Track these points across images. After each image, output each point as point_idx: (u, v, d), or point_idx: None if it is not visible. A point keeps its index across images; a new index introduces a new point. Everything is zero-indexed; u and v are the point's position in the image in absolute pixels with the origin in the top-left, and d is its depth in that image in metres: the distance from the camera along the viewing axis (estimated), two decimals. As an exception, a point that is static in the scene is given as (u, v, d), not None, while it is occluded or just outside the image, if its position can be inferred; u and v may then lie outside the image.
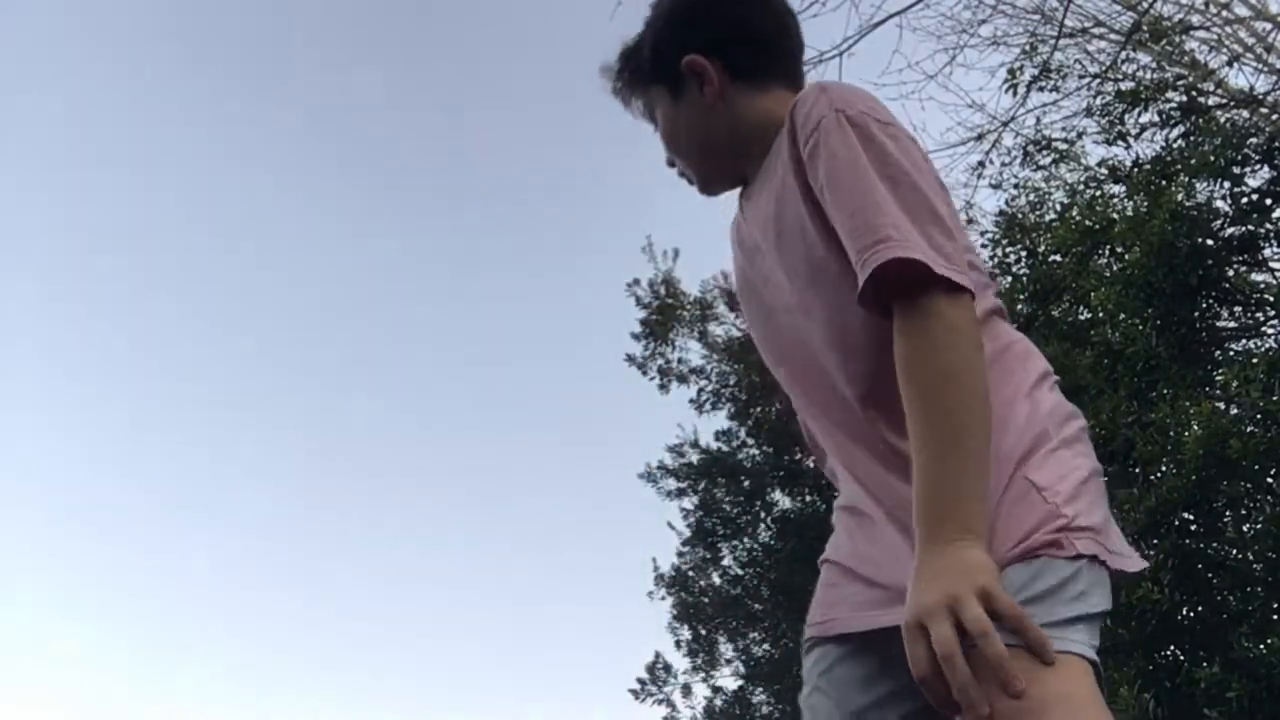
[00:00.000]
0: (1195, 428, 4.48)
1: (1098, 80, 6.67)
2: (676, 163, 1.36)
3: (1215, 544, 4.56)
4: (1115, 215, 5.67)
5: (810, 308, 1.13)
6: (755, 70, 1.28)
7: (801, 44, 1.35)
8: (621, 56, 1.38)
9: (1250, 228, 5.23)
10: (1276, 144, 5.19)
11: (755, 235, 1.23)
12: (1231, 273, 5.44)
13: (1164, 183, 5.41)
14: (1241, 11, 7.55)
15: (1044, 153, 6.76)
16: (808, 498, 8.58)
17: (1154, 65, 6.87)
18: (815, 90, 1.13)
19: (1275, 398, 4.33)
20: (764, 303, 1.23)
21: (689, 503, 9.19)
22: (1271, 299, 5.37)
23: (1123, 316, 5.21)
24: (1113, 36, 7.45)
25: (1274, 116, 5.90)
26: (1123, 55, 6.79)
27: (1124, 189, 5.96)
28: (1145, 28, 6.57)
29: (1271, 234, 5.32)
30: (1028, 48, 7.03)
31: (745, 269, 1.27)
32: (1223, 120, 5.67)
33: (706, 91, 1.27)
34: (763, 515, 8.88)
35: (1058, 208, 6.39)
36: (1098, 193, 6.22)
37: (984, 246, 6.94)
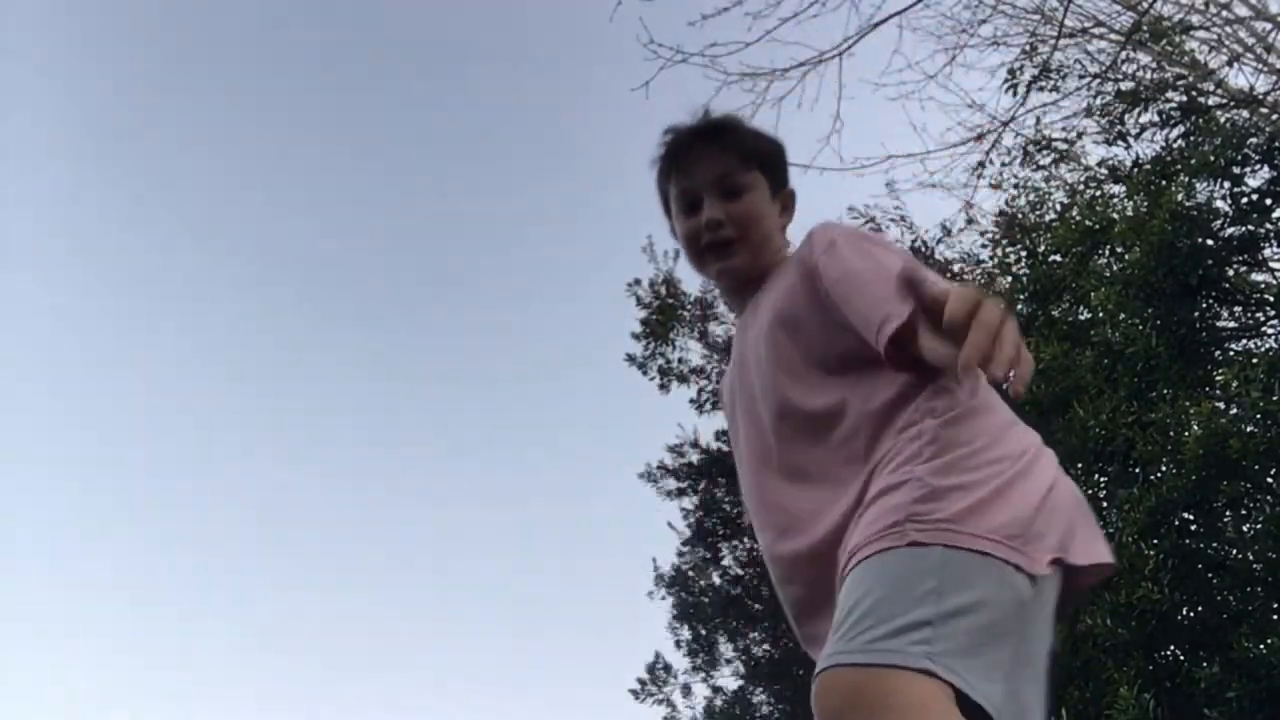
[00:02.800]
0: (1195, 428, 4.47)
1: (1098, 80, 6.68)
2: (729, 229, 1.59)
3: (1215, 544, 4.55)
4: (1115, 215, 5.67)
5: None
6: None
7: None
8: (737, 125, 1.68)
9: (1250, 228, 5.23)
10: (1276, 144, 5.19)
11: (761, 327, 1.50)
12: (1231, 273, 5.43)
13: (1164, 183, 5.41)
14: (1241, 11, 7.55)
15: (1044, 153, 6.76)
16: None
17: (1154, 65, 6.87)
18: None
19: (1275, 398, 4.33)
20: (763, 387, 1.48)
21: (689, 503, 9.18)
22: (1271, 299, 5.37)
23: (1123, 316, 5.21)
24: (1113, 36, 7.44)
25: (1274, 116, 5.90)
26: (1123, 55, 6.80)
27: (1124, 189, 5.96)
28: (1145, 28, 6.57)
29: (1271, 234, 5.32)
30: (1028, 48, 7.04)
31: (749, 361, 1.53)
32: (1223, 120, 5.67)
33: (784, 217, 1.66)
34: (763, 515, 8.84)
35: (1058, 208, 6.39)
36: (1098, 193, 6.22)
37: (984, 246, 6.94)
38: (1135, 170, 5.84)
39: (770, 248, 1.59)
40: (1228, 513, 4.63)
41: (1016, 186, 6.85)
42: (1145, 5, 6.75)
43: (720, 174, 1.59)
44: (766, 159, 1.64)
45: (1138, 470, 4.75)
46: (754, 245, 1.58)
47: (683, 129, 1.67)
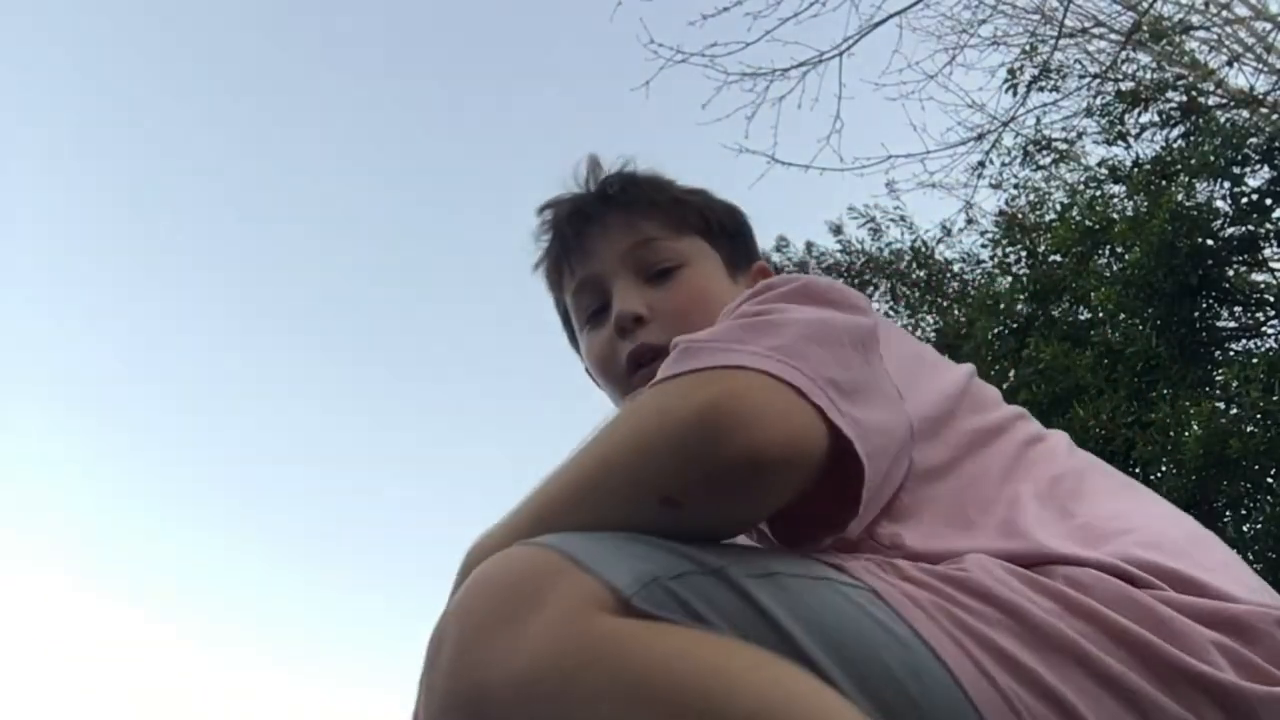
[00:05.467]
0: (1195, 428, 4.48)
1: (1098, 80, 6.68)
2: (656, 328, 1.02)
3: (1215, 544, 4.56)
4: (1115, 215, 5.67)
5: None
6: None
7: None
8: (654, 179, 1.12)
9: (1250, 228, 5.24)
10: (1276, 144, 5.19)
11: None
12: (1231, 273, 5.44)
13: (1164, 183, 5.41)
14: (1241, 11, 7.55)
15: (1044, 153, 6.76)
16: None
17: (1154, 65, 6.87)
18: None
19: (1275, 398, 4.33)
20: None
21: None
22: (1271, 299, 5.38)
23: (1123, 316, 5.22)
24: (1113, 36, 7.45)
25: (1274, 116, 5.90)
26: (1123, 55, 6.80)
27: (1124, 189, 5.96)
28: (1145, 28, 6.57)
29: (1271, 234, 5.33)
30: (1028, 48, 7.03)
31: None
32: (1223, 120, 5.68)
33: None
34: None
35: (1058, 208, 6.39)
36: (1098, 193, 6.22)
37: (984, 246, 6.94)
38: (1135, 170, 5.84)
39: None
40: (1228, 513, 4.64)
41: (1016, 186, 6.85)
42: (1145, 5, 6.76)
43: (631, 243, 1.05)
44: (712, 221, 1.09)
45: (1138, 470, 4.75)
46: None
47: (565, 197, 1.12)
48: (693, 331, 0.95)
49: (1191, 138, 5.63)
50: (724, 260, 1.07)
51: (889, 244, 7.42)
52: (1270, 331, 5.60)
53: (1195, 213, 5.12)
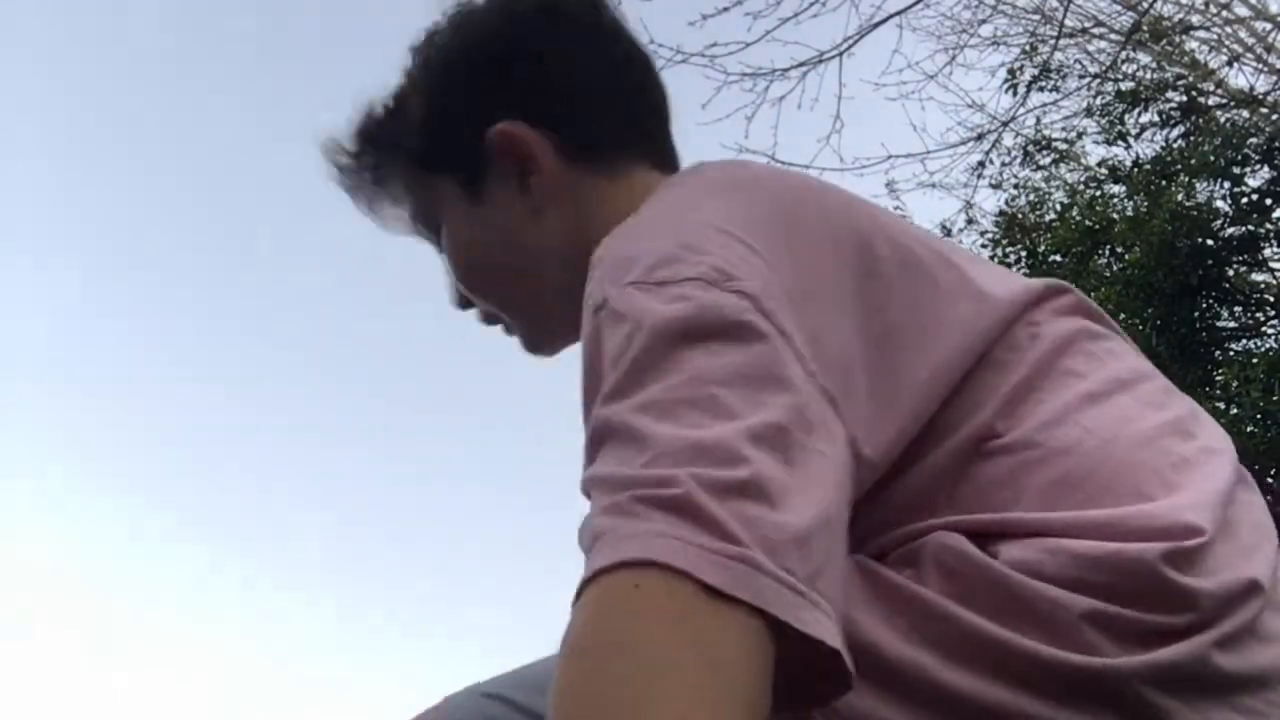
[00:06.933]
0: (1195, 428, 4.48)
1: (1098, 80, 6.69)
2: (479, 302, 0.87)
3: (1215, 544, 4.56)
4: (1115, 215, 5.68)
5: None
6: (603, 144, 0.82)
7: (666, 102, 0.89)
8: (364, 130, 0.87)
9: (1250, 228, 5.25)
10: (1276, 144, 5.20)
11: None
12: (1231, 273, 5.44)
13: (1164, 183, 5.42)
14: (1241, 11, 7.55)
15: (1044, 153, 6.77)
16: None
17: (1154, 65, 6.88)
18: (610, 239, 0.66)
19: (1275, 398, 4.34)
20: None
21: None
22: (1271, 299, 5.38)
23: (1123, 316, 5.22)
24: (1113, 36, 7.45)
25: (1274, 116, 5.90)
26: (1123, 55, 6.80)
27: (1124, 189, 5.97)
28: (1145, 28, 6.58)
29: (1271, 234, 5.33)
30: (1028, 48, 7.05)
31: None
32: (1223, 120, 5.68)
33: (532, 181, 0.80)
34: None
35: (1058, 208, 6.39)
36: (1098, 193, 6.23)
37: (984, 246, 6.94)
38: (1135, 170, 5.85)
39: (553, 276, 0.81)
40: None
41: (1016, 186, 6.86)
42: (1145, 5, 6.76)
43: (400, 221, 0.89)
44: (416, 140, 0.84)
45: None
46: (521, 299, 0.85)
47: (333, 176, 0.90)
48: (502, 298, 0.85)
49: (1191, 138, 5.63)
50: (458, 182, 0.83)
51: (889, 244, 7.42)
52: (1270, 331, 5.60)
53: (1195, 213, 5.13)
